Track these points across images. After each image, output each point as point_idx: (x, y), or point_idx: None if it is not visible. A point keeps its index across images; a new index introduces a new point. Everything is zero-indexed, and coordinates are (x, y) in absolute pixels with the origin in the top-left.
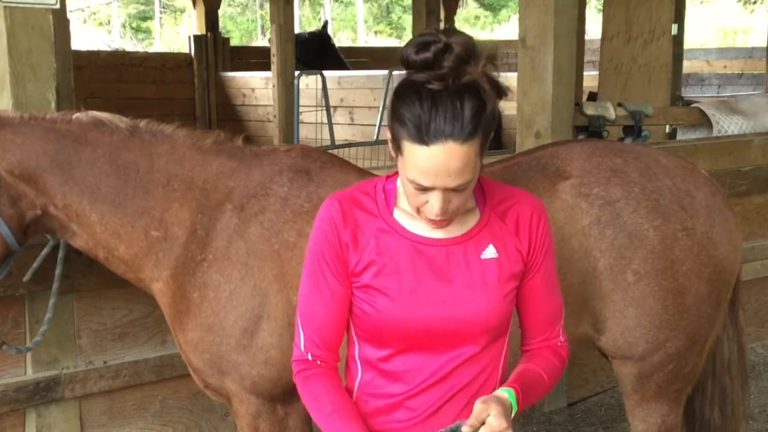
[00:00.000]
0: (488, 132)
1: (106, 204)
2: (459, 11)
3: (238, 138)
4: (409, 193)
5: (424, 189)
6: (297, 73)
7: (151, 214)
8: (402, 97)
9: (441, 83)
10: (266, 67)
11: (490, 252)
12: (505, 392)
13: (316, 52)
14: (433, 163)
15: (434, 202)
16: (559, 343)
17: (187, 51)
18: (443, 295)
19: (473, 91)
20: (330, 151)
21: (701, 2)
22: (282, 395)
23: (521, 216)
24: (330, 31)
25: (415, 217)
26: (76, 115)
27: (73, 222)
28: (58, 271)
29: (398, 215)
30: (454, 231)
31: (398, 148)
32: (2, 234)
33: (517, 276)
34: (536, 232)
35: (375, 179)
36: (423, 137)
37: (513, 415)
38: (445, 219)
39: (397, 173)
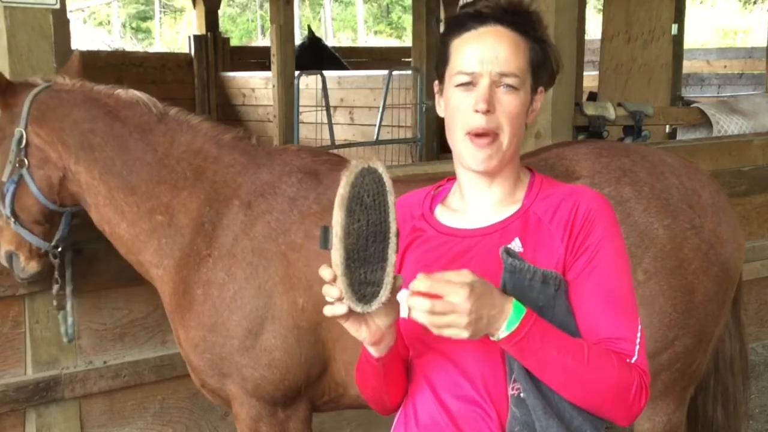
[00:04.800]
0: (540, 59)
1: (116, 179)
2: None
3: (253, 137)
4: (455, 105)
5: (470, 84)
6: (297, 73)
7: (158, 198)
8: (450, 20)
9: (491, 6)
10: (266, 67)
11: (514, 245)
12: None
13: (314, 59)
14: (480, 43)
15: (479, 94)
16: (628, 360)
17: (187, 51)
18: None
19: (524, 12)
20: (330, 151)
21: (701, 2)
22: (283, 398)
23: (560, 212)
24: (325, 34)
25: (455, 210)
26: (118, 91)
27: (83, 190)
28: (68, 273)
29: (439, 211)
30: (482, 221)
31: (445, 67)
32: (33, 193)
33: None
34: (579, 228)
35: (442, 182)
36: (472, 24)
37: (516, 326)
38: (490, 128)
39: (455, 178)
